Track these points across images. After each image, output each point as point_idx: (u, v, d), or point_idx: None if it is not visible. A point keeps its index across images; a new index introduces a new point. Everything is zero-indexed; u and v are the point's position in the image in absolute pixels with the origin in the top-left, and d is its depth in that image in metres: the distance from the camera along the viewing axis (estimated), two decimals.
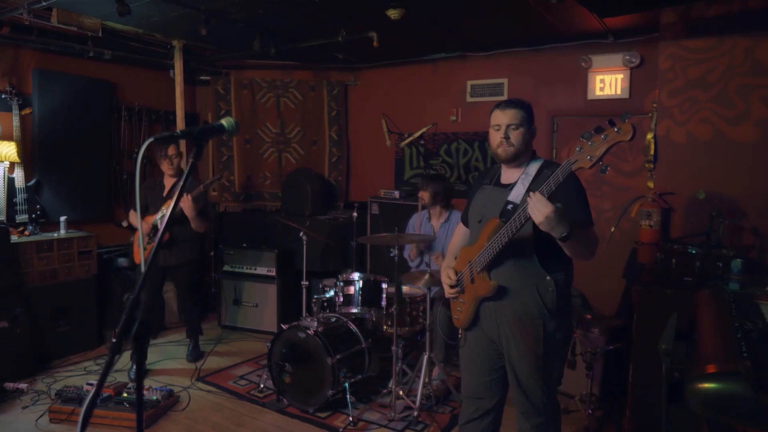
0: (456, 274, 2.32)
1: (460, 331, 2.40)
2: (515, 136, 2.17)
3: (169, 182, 4.19)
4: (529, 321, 2.15)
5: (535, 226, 1.99)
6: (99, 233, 4.76)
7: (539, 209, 1.89)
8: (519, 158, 2.21)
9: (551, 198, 1.93)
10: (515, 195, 2.16)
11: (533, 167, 2.20)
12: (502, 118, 2.20)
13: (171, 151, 4.10)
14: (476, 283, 2.23)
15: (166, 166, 4.13)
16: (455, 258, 2.39)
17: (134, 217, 4.23)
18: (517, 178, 2.20)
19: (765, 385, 1.47)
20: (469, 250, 2.27)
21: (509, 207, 2.13)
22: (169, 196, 4.10)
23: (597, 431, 3.38)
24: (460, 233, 2.57)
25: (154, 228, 4.03)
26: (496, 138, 2.21)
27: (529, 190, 2.11)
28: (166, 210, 4.02)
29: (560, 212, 1.88)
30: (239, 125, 1.57)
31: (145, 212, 4.15)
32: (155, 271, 4.10)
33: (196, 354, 4.48)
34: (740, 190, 3.36)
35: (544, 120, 4.86)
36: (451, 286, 2.32)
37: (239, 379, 4.11)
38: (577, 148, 1.92)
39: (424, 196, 4.05)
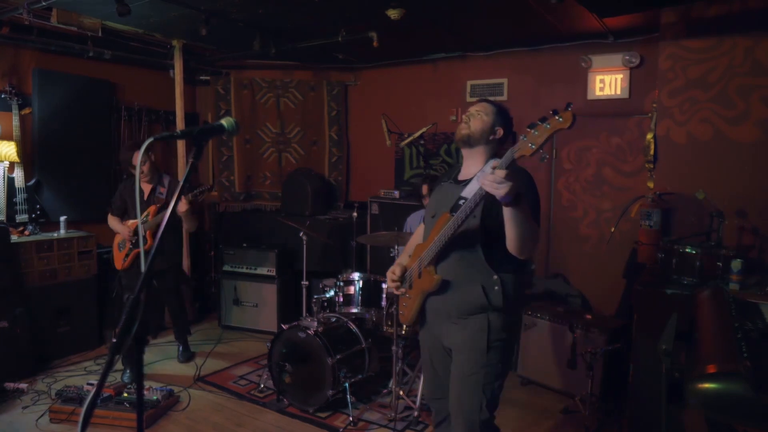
0: (405, 270, 2.32)
1: (403, 328, 2.38)
2: (474, 121, 2.21)
3: (146, 187, 4.08)
4: (473, 315, 2.10)
5: (482, 220, 2.03)
6: (99, 233, 4.76)
7: (497, 184, 1.81)
8: (471, 144, 2.22)
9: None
10: (469, 191, 2.12)
11: (491, 164, 2.08)
12: (473, 106, 2.28)
13: (135, 160, 3.92)
14: (422, 278, 2.20)
15: (141, 176, 4.00)
16: (410, 256, 2.37)
17: (114, 221, 4.09)
18: (474, 175, 2.17)
19: (765, 385, 1.47)
20: (422, 246, 2.25)
21: (461, 202, 2.10)
22: (150, 201, 4.02)
23: (597, 431, 3.38)
24: (418, 231, 2.54)
25: (135, 233, 3.98)
26: (464, 117, 2.27)
27: (480, 189, 2.06)
28: (148, 217, 3.95)
29: (513, 174, 1.83)
30: (239, 125, 1.57)
31: (124, 215, 4.11)
32: (137, 277, 4.03)
33: (187, 354, 4.46)
34: (740, 190, 3.36)
35: None
36: (393, 281, 2.31)
37: (239, 379, 4.11)
38: (521, 137, 1.90)
39: (425, 188, 4.04)
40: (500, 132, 2.25)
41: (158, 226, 3.86)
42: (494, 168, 1.83)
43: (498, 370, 2.12)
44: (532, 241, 1.98)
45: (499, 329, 2.10)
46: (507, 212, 1.90)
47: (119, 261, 4.08)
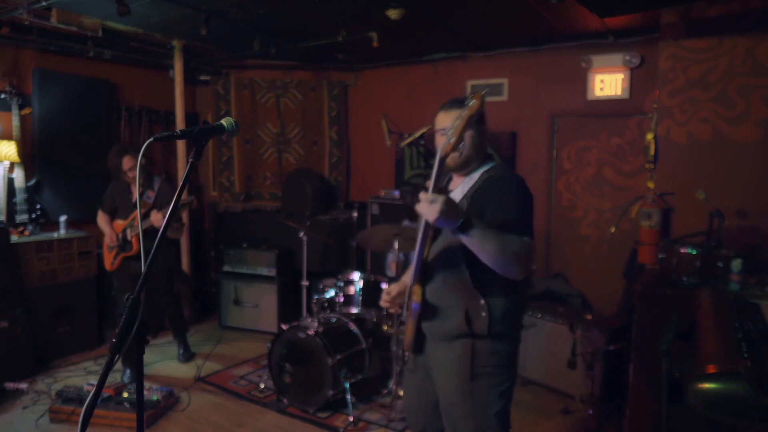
0: (404, 288, 2.12)
1: (407, 354, 2.15)
2: (465, 143, 1.88)
3: (136, 190, 4.01)
4: (457, 341, 1.89)
5: None
6: (99, 233, 4.74)
7: (425, 210, 1.64)
8: (470, 165, 1.95)
9: (470, 203, 1.83)
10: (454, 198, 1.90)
11: (479, 172, 1.93)
12: (447, 120, 1.89)
13: (125, 165, 3.87)
14: (411, 299, 1.96)
15: (130, 180, 3.95)
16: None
17: (103, 221, 4.06)
18: (459, 184, 1.97)
19: (765, 385, 1.47)
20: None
21: None
22: (136, 206, 3.96)
23: (597, 431, 3.38)
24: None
25: (123, 237, 3.96)
26: (441, 143, 1.84)
27: (466, 196, 1.89)
28: (134, 222, 3.94)
29: (447, 203, 1.62)
30: (239, 125, 1.57)
31: (114, 214, 4.09)
32: (133, 279, 3.99)
33: (187, 355, 4.45)
34: (740, 190, 3.36)
35: (544, 120, 4.86)
36: (386, 300, 2.15)
37: (239, 380, 4.11)
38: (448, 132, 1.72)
39: (429, 185, 4.02)
40: (487, 131, 2.00)
41: (147, 230, 3.79)
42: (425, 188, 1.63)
43: (489, 399, 1.89)
44: (513, 260, 1.71)
45: (487, 355, 1.87)
46: (468, 245, 1.71)
47: (108, 263, 4.08)
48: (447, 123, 1.87)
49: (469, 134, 1.86)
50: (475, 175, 1.93)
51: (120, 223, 4.04)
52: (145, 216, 3.87)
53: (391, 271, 4.07)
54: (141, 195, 3.99)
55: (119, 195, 4.07)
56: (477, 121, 1.79)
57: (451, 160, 1.89)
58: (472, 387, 1.88)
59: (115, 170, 3.95)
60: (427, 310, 1.94)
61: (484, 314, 1.85)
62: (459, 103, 1.85)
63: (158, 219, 3.67)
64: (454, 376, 1.90)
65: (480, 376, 1.88)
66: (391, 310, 2.18)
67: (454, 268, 1.87)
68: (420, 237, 1.85)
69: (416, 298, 1.93)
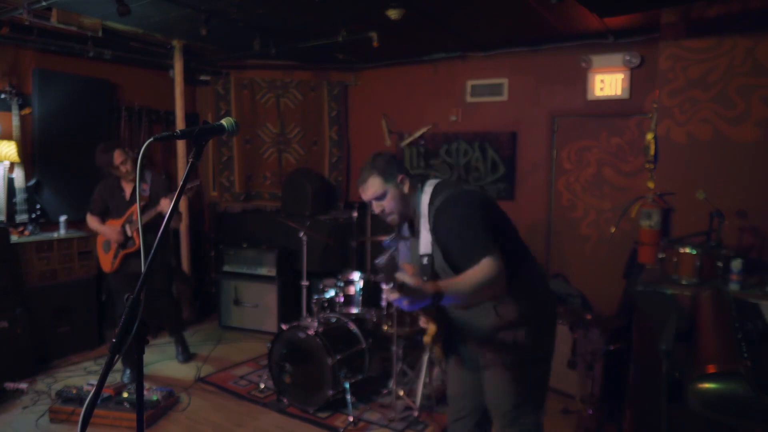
0: None
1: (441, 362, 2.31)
2: (387, 205, 2.06)
3: (127, 186, 3.97)
4: (491, 349, 2.06)
5: (445, 260, 1.98)
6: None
7: (398, 301, 1.73)
8: (409, 209, 2.08)
9: (435, 239, 1.98)
10: (425, 245, 2.03)
11: (424, 204, 2.04)
12: (368, 193, 2.08)
13: (117, 160, 3.82)
14: (429, 330, 2.10)
15: (123, 174, 3.89)
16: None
17: (95, 222, 4.00)
18: (419, 224, 2.08)
19: (765, 385, 1.47)
20: None
21: (425, 261, 2.02)
22: (132, 201, 3.92)
23: (597, 431, 3.37)
24: None
25: (123, 233, 3.90)
26: (377, 212, 2.11)
27: (432, 231, 2.01)
28: (133, 216, 3.87)
29: (411, 290, 1.71)
30: (239, 125, 1.57)
31: (104, 216, 4.01)
32: (132, 278, 3.93)
33: (186, 355, 4.44)
34: (740, 190, 3.36)
35: (544, 120, 4.86)
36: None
37: (239, 380, 4.11)
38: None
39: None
40: (401, 178, 2.07)
41: (146, 224, 3.79)
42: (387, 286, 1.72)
43: (526, 384, 2.07)
44: (486, 290, 1.88)
45: (514, 346, 2.03)
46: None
47: (107, 263, 3.99)
48: (369, 196, 2.08)
49: (389, 198, 2.05)
50: (423, 208, 2.04)
51: (114, 222, 3.95)
52: (145, 209, 3.84)
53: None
54: (134, 190, 3.94)
55: (110, 194, 3.99)
56: (387, 180, 2.04)
57: (392, 222, 2.11)
58: (508, 375, 2.05)
59: (107, 167, 3.87)
60: (450, 328, 2.10)
61: (500, 309, 2.00)
62: (364, 177, 2.09)
63: (167, 204, 3.63)
64: (492, 368, 2.07)
65: (515, 364, 2.04)
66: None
67: None
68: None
69: (433, 329, 2.06)
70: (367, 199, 2.08)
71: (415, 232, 2.11)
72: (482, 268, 1.84)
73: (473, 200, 2.00)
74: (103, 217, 4.02)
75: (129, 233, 3.89)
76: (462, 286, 1.84)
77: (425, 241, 2.02)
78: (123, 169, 3.85)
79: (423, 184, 2.10)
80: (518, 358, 2.05)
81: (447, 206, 1.96)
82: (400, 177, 2.07)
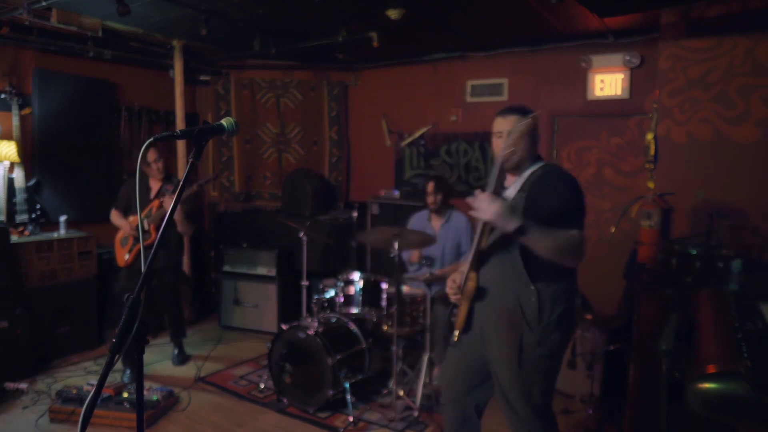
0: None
1: (455, 332, 2.35)
2: (517, 143, 2.14)
3: (155, 184, 4.11)
4: (507, 326, 2.09)
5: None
6: (99, 233, 4.76)
7: (483, 208, 1.95)
8: (523, 165, 2.19)
9: (527, 196, 2.06)
10: (509, 194, 2.18)
11: (529, 171, 2.18)
12: (504, 125, 2.17)
13: (150, 157, 3.99)
14: (467, 284, 2.21)
15: (153, 172, 4.06)
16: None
17: (117, 217, 4.11)
18: (513, 181, 2.22)
19: (765, 385, 1.47)
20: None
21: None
22: (157, 197, 4.03)
23: (597, 431, 3.38)
24: None
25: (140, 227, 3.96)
26: (499, 145, 2.19)
27: (520, 191, 2.13)
28: (152, 212, 3.96)
29: (507, 207, 1.93)
30: (239, 125, 1.57)
31: (128, 212, 4.09)
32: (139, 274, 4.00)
33: (181, 357, 4.42)
34: (740, 190, 3.36)
35: (545, 120, 4.86)
36: (453, 290, 2.27)
37: (239, 380, 4.11)
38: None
39: (431, 185, 4.02)
40: (539, 137, 2.26)
41: (162, 218, 3.87)
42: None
43: (535, 379, 2.10)
44: (566, 254, 1.96)
45: (534, 346, 2.05)
46: (527, 242, 1.98)
47: (122, 257, 4.07)
48: (503, 127, 2.17)
49: (523, 143, 2.13)
50: (526, 173, 2.16)
51: (136, 218, 4.04)
52: (160, 207, 3.96)
53: (411, 263, 4.11)
54: (160, 189, 4.08)
55: (134, 192, 4.06)
56: (530, 132, 2.13)
57: (507, 164, 2.17)
58: (520, 372, 2.09)
59: (142, 163, 3.93)
60: (481, 293, 2.16)
61: (534, 299, 2.03)
62: (515, 111, 2.18)
63: (169, 203, 3.74)
64: (505, 362, 2.11)
65: (528, 366, 2.07)
66: (454, 299, 2.32)
67: (509, 253, 2.07)
68: (479, 227, 2.10)
69: (472, 284, 2.16)
70: (508, 126, 2.13)
71: (498, 192, 2.19)
72: (572, 237, 1.96)
73: (580, 186, 2.14)
74: (126, 213, 4.11)
75: (146, 227, 3.96)
76: (547, 237, 1.94)
77: (511, 192, 2.16)
78: (154, 167, 4.01)
79: (538, 155, 2.24)
80: (537, 354, 2.07)
81: (564, 175, 2.15)
82: (537, 134, 2.23)
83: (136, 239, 3.98)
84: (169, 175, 4.16)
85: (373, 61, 5.79)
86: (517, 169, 2.20)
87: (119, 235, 4.13)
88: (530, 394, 2.12)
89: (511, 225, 1.92)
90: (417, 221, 4.17)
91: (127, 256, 4.04)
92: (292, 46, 4.86)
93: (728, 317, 2.01)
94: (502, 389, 2.18)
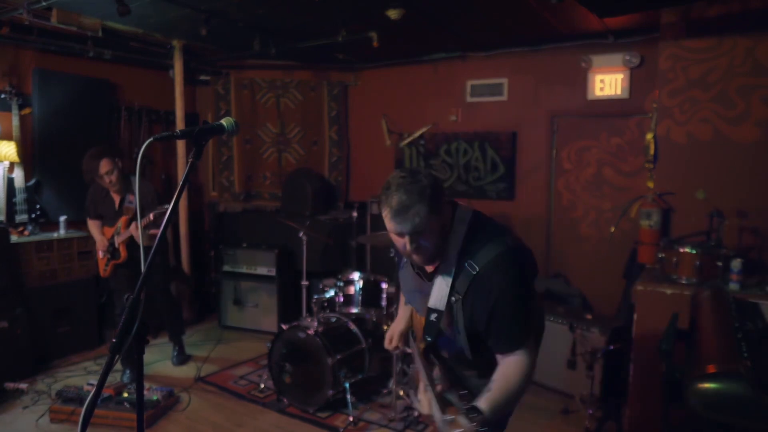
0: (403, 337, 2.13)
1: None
2: (426, 243, 1.58)
3: (116, 196, 3.91)
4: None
5: (463, 326, 1.65)
6: None
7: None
8: (437, 258, 1.65)
9: (464, 304, 1.61)
10: (436, 298, 1.66)
11: (453, 249, 1.63)
12: (395, 226, 1.55)
13: (102, 169, 3.66)
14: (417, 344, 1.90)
15: (106, 185, 3.77)
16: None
17: (94, 228, 4.01)
18: (436, 267, 1.69)
19: (765, 385, 1.47)
20: (417, 320, 1.92)
21: (433, 318, 1.69)
22: (120, 212, 3.87)
23: (597, 431, 3.37)
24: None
25: (111, 244, 3.88)
26: (400, 246, 1.61)
27: (451, 293, 1.63)
28: (120, 228, 3.84)
29: (465, 427, 1.43)
30: (239, 125, 1.57)
31: (102, 220, 4.00)
32: (129, 279, 3.93)
33: (181, 357, 4.42)
34: (740, 190, 3.36)
35: (544, 120, 4.86)
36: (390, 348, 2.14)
37: (239, 380, 4.11)
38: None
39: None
40: (443, 212, 1.60)
41: (131, 238, 3.76)
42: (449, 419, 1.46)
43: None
44: (524, 391, 1.62)
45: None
46: None
47: (101, 269, 4.00)
48: (398, 232, 1.57)
49: (428, 235, 1.56)
50: (452, 256, 1.63)
51: (108, 230, 3.96)
52: (131, 221, 3.80)
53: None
54: (122, 201, 3.89)
55: (100, 202, 3.95)
56: (431, 212, 1.52)
57: (418, 262, 1.69)
58: None
59: (90, 174, 3.72)
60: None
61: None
62: (401, 214, 1.52)
63: (135, 231, 3.65)
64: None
65: None
66: (396, 352, 2.18)
67: (460, 351, 1.76)
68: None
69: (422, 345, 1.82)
70: (401, 232, 1.54)
71: (426, 275, 1.71)
72: (522, 376, 1.59)
73: (529, 273, 1.67)
74: (102, 221, 4.02)
75: (116, 245, 3.87)
76: (505, 402, 1.57)
77: (439, 294, 1.65)
78: (107, 179, 3.70)
79: (453, 216, 1.65)
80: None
81: (498, 274, 1.57)
82: (444, 206, 1.61)
83: (111, 255, 3.90)
84: (128, 183, 3.88)
85: (373, 61, 5.79)
86: (435, 261, 1.67)
87: (98, 246, 4.01)
88: None
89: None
90: None
91: (106, 269, 3.95)
92: (292, 46, 4.86)
93: (728, 317, 2.01)
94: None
